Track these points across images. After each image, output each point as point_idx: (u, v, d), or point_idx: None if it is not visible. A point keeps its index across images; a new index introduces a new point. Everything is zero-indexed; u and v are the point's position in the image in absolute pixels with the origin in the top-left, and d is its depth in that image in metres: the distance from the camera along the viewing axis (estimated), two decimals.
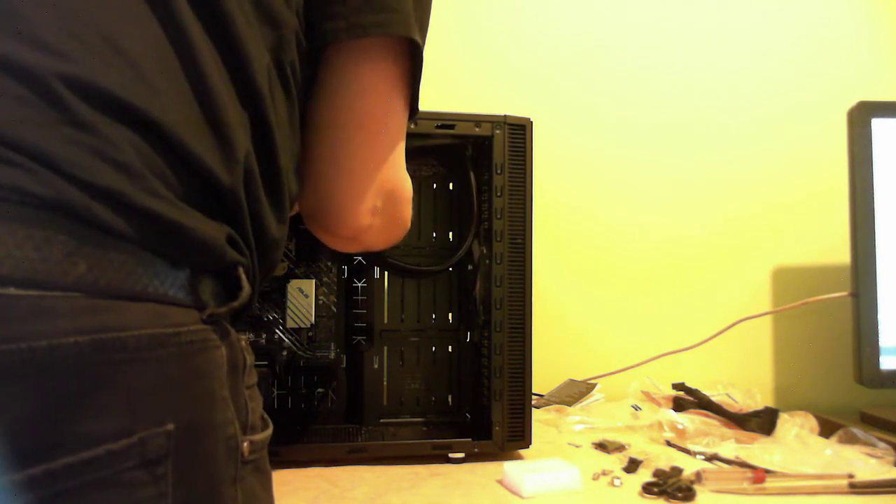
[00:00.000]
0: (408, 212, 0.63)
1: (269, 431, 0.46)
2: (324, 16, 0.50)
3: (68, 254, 0.34)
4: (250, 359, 0.45)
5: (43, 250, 0.33)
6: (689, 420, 0.91)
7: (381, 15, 0.50)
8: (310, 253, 0.86)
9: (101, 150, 0.35)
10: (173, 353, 0.36)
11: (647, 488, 0.70)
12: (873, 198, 0.96)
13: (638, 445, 0.87)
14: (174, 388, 0.36)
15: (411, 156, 0.89)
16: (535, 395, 1.00)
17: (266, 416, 0.47)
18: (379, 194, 0.57)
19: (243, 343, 0.44)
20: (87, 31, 0.37)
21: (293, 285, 0.85)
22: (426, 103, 0.80)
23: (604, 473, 0.76)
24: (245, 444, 0.41)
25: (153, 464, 0.34)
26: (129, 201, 0.35)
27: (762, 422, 0.90)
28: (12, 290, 0.32)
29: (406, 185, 0.61)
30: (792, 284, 1.23)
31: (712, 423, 0.92)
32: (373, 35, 0.51)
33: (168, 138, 0.38)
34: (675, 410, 0.95)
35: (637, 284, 1.22)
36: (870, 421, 1.00)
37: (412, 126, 0.80)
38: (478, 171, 0.86)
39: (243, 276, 0.42)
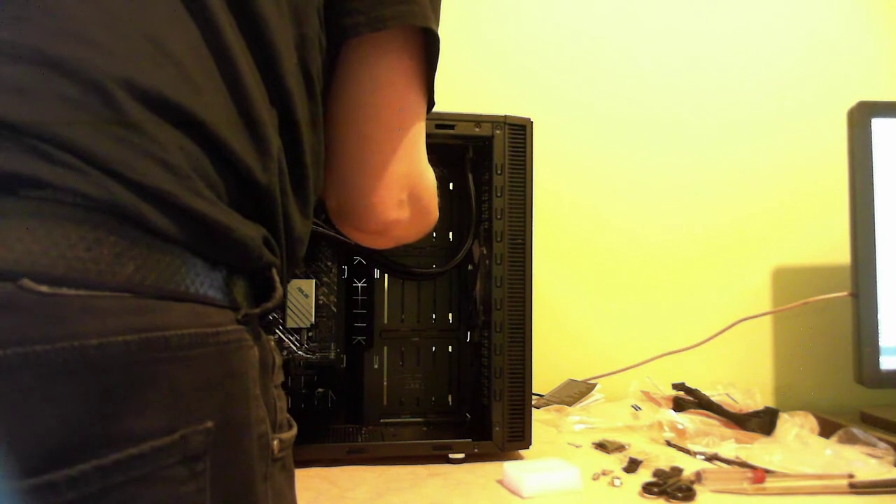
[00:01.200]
0: (434, 202, 0.63)
1: (295, 431, 0.46)
2: (343, 11, 0.50)
3: (117, 255, 0.35)
4: (279, 359, 0.46)
5: (94, 251, 0.34)
6: (689, 420, 0.91)
7: (401, 7, 0.51)
8: (310, 253, 0.86)
9: (151, 151, 0.36)
10: (212, 353, 0.37)
11: (647, 488, 0.70)
12: (873, 198, 0.96)
13: (638, 445, 0.87)
14: (213, 387, 0.37)
15: None
16: (535, 395, 1.00)
17: (290, 416, 0.48)
18: (404, 188, 0.57)
19: (272, 343, 0.45)
20: (132, 32, 0.38)
21: (293, 285, 0.86)
22: None
23: (604, 473, 0.76)
24: (275, 443, 0.42)
25: (193, 460, 0.35)
26: (177, 202, 0.36)
27: (762, 422, 0.90)
28: (65, 290, 0.33)
29: (429, 176, 0.61)
30: (792, 284, 1.23)
31: (712, 423, 0.92)
32: (392, 27, 0.51)
33: (211, 138, 0.39)
34: (675, 410, 0.95)
35: (637, 284, 1.22)
36: (870, 421, 1.00)
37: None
38: (477, 172, 0.86)
39: (276, 277, 0.43)
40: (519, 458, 0.81)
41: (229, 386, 0.38)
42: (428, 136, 0.81)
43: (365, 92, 0.54)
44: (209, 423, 0.36)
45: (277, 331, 0.86)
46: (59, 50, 0.35)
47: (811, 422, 0.93)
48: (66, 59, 0.35)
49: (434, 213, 0.64)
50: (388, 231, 0.59)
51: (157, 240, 0.36)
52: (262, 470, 0.40)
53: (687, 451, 0.85)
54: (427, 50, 0.55)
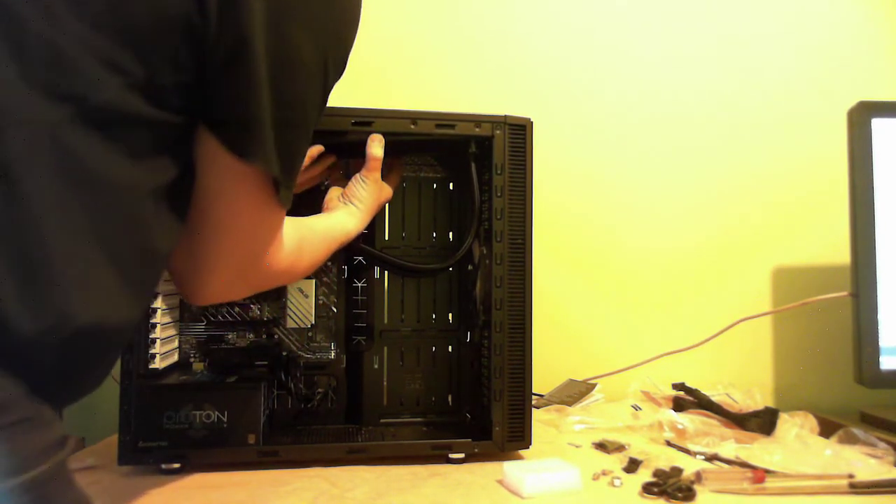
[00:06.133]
0: (299, 269, 0.68)
1: (48, 466, 0.41)
2: (213, 105, 0.50)
3: None
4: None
5: None
6: (689, 420, 0.91)
7: (256, 148, 0.52)
8: None
9: None
10: None
11: (647, 488, 0.70)
12: (873, 198, 0.96)
13: (638, 445, 0.87)
14: None
15: (411, 153, 0.90)
16: (535, 395, 1.00)
17: (58, 439, 0.43)
18: (238, 278, 0.60)
19: None
20: None
21: (293, 285, 0.86)
22: (426, 103, 0.80)
23: (604, 473, 0.76)
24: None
25: None
26: None
27: (762, 422, 0.90)
28: None
29: (282, 262, 0.63)
30: (792, 284, 1.23)
31: (712, 423, 0.92)
32: (247, 161, 0.52)
33: None
34: (675, 410, 0.95)
35: (637, 284, 1.22)
36: (870, 421, 1.00)
37: (412, 127, 0.80)
38: (478, 171, 0.86)
39: None
40: (519, 458, 0.81)
41: None
42: (428, 135, 0.82)
43: (204, 196, 0.55)
44: None
45: (277, 331, 0.86)
46: None
47: (811, 422, 0.93)
48: None
49: (305, 267, 0.68)
50: (216, 301, 0.63)
51: None
52: None
53: (687, 451, 0.85)
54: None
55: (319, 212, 0.78)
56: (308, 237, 0.68)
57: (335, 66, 0.57)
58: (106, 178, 0.45)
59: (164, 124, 0.48)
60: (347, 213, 0.77)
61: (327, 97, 0.58)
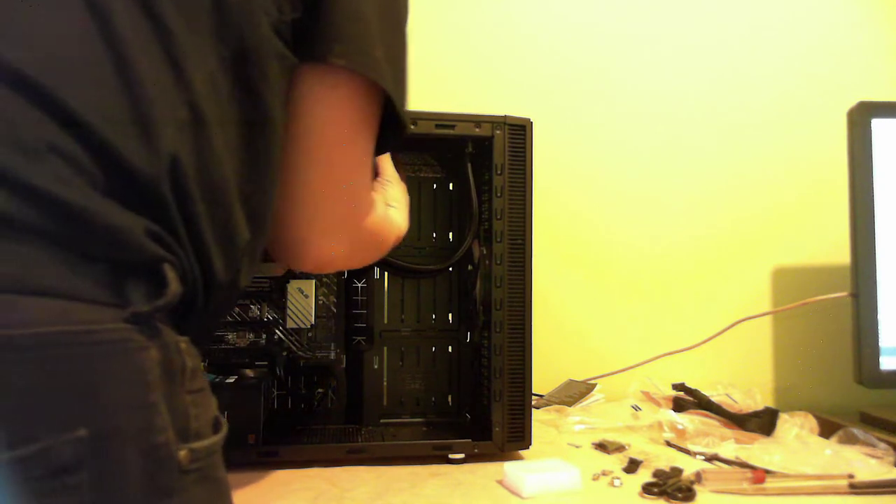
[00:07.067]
0: (383, 240, 0.64)
1: (220, 436, 0.43)
2: (312, 35, 0.49)
3: None
4: (192, 362, 0.42)
5: None
6: (689, 420, 0.91)
7: (364, 58, 0.51)
8: None
9: (2, 131, 0.33)
10: (80, 354, 0.34)
11: (647, 488, 0.70)
12: (873, 198, 0.96)
13: (638, 446, 0.87)
14: (85, 392, 0.34)
15: (411, 151, 0.90)
16: (535, 395, 1.00)
17: (221, 419, 0.44)
18: (342, 232, 0.57)
19: (183, 345, 0.41)
20: (3, 10, 0.36)
21: (293, 285, 0.86)
22: (426, 103, 0.80)
23: (604, 474, 0.76)
24: (182, 453, 0.38)
25: (64, 472, 0.32)
26: (25, 182, 0.33)
27: (762, 422, 0.90)
28: None
29: (374, 219, 0.60)
30: (792, 284, 1.23)
31: (712, 423, 0.92)
32: (353, 68, 0.51)
33: (78, 122, 0.36)
34: (675, 411, 0.95)
35: (637, 284, 1.22)
36: (870, 421, 1.00)
37: (412, 127, 0.80)
38: (477, 172, 0.86)
39: (170, 273, 0.39)
40: (519, 458, 0.81)
41: (108, 391, 0.35)
42: (428, 135, 0.82)
43: (307, 125, 0.53)
44: (82, 432, 0.32)
45: (277, 331, 0.86)
46: None
47: (811, 422, 0.93)
48: None
49: (385, 247, 0.65)
50: (321, 269, 0.59)
51: (4, 227, 0.33)
52: (162, 483, 0.37)
53: (687, 452, 0.85)
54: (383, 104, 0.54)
55: None
56: (386, 214, 0.66)
57: None
58: (267, 117, 0.47)
59: (289, 63, 0.49)
60: (393, 213, 0.75)
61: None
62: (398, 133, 0.56)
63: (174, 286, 0.39)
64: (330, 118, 0.53)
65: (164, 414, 0.37)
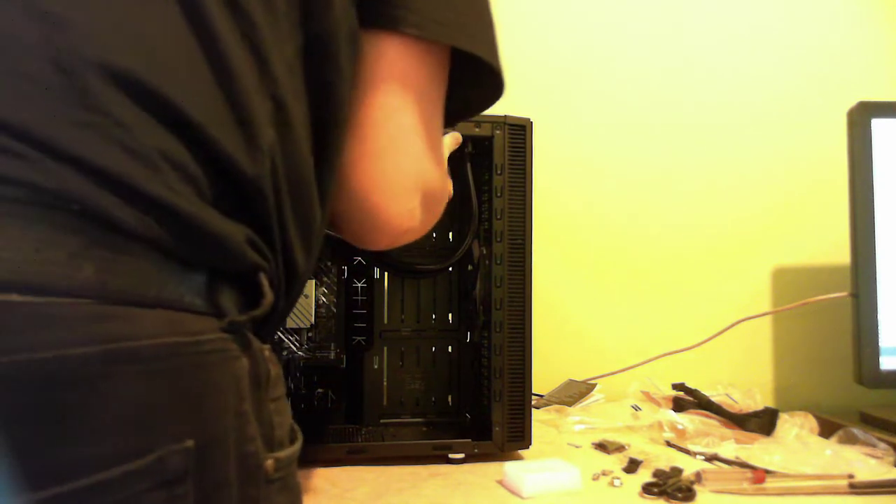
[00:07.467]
0: (444, 201, 0.59)
1: (298, 445, 0.43)
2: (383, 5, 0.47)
3: (72, 255, 0.31)
4: (275, 370, 0.42)
5: (42, 251, 0.30)
6: (689, 420, 0.90)
7: (456, 24, 0.48)
8: None
9: (116, 136, 0.32)
10: (189, 364, 0.34)
11: (647, 488, 0.70)
12: (873, 198, 0.96)
13: (638, 445, 0.87)
14: (192, 402, 0.34)
15: None
16: (535, 395, 1.00)
17: (296, 427, 0.44)
18: (417, 191, 0.51)
19: (266, 353, 0.41)
20: (102, 9, 0.35)
21: None
22: None
23: (604, 474, 0.76)
24: (269, 462, 0.38)
25: (173, 484, 0.32)
26: (143, 192, 0.33)
27: (762, 422, 0.90)
28: (14, 297, 0.29)
29: (443, 180, 0.56)
30: (792, 284, 1.23)
31: (712, 423, 0.92)
32: (440, 40, 0.48)
33: (187, 124, 0.35)
34: (675, 410, 0.95)
35: (637, 284, 1.22)
36: (870, 421, 1.00)
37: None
38: (477, 172, 0.86)
39: (265, 282, 0.39)
40: (519, 458, 0.81)
41: (212, 401, 0.35)
42: None
43: (375, 82, 0.49)
44: (189, 443, 0.32)
45: (277, 331, 0.86)
46: (9, 23, 0.32)
47: (811, 422, 0.93)
48: (18, 33, 0.32)
49: (441, 209, 0.60)
50: (397, 242, 0.55)
51: (121, 238, 0.32)
52: (251, 493, 0.37)
53: (687, 452, 0.85)
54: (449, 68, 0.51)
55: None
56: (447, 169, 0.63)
57: None
58: (337, 97, 0.45)
59: (357, 38, 0.47)
60: None
61: None
62: (489, 80, 0.53)
63: (269, 296, 0.39)
64: (399, 73, 0.50)
65: (253, 423, 0.37)
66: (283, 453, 0.40)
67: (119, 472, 0.30)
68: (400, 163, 0.50)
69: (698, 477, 0.73)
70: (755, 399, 0.99)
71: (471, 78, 0.53)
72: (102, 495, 0.30)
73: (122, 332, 0.31)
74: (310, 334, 0.87)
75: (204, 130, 0.36)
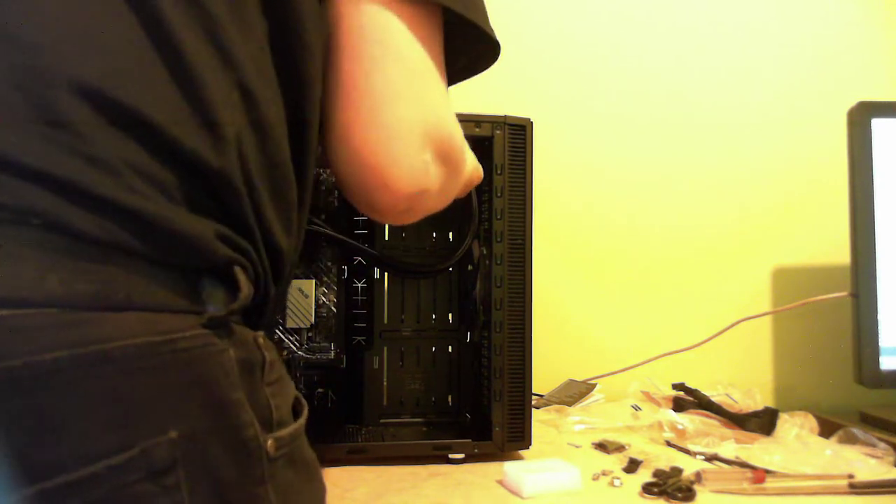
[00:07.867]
0: (463, 158, 0.55)
1: (302, 420, 0.44)
2: None
3: (38, 268, 0.32)
4: (270, 354, 0.42)
5: (6, 266, 0.31)
6: (689, 420, 0.90)
7: None
8: (310, 253, 0.86)
9: (76, 147, 0.33)
10: (167, 362, 0.35)
11: (647, 488, 0.70)
12: (873, 198, 0.96)
13: (638, 445, 0.87)
14: (174, 397, 0.35)
15: None
16: (535, 395, 1.00)
17: (301, 400, 0.45)
18: (424, 141, 0.49)
19: (261, 340, 0.42)
20: (58, 23, 0.35)
21: (293, 285, 0.85)
22: None
23: (604, 474, 0.76)
24: (269, 443, 0.39)
25: (161, 474, 0.33)
26: (104, 198, 0.34)
27: (762, 422, 0.90)
28: None
29: (457, 131, 0.53)
30: (792, 284, 1.23)
31: (712, 423, 0.92)
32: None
33: (147, 126, 0.36)
34: (675, 410, 0.95)
35: (637, 284, 1.22)
36: (870, 421, 1.00)
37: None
38: None
39: (241, 276, 0.40)
40: (519, 458, 0.81)
41: (196, 395, 0.36)
42: None
43: (362, 23, 0.47)
44: (173, 434, 0.34)
45: (277, 331, 0.86)
46: None
47: (811, 422, 0.93)
48: None
49: (464, 172, 0.57)
50: (415, 206, 0.52)
51: (85, 245, 0.33)
52: (255, 474, 0.38)
53: (687, 452, 0.85)
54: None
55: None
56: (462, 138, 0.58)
57: None
58: (309, 76, 0.46)
59: (325, 12, 0.47)
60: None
61: None
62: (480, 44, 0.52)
63: (246, 289, 0.40)
64: (390, 13, 0.48)
65: (248, 410, 0.38)
66: (282, 432, 0.41)
67: (102, 467, 0.31)
68: (398, 111, 0.48)
69: (698, 477, 0.73)
70: (755, 399, 0.99)
71: (460, 40, 0.53)
72: (90, 489, 0.31)
73: (91, 335, 0.32)
74: (310, 334, 0.87)
75: (165, 131, 0.36)
